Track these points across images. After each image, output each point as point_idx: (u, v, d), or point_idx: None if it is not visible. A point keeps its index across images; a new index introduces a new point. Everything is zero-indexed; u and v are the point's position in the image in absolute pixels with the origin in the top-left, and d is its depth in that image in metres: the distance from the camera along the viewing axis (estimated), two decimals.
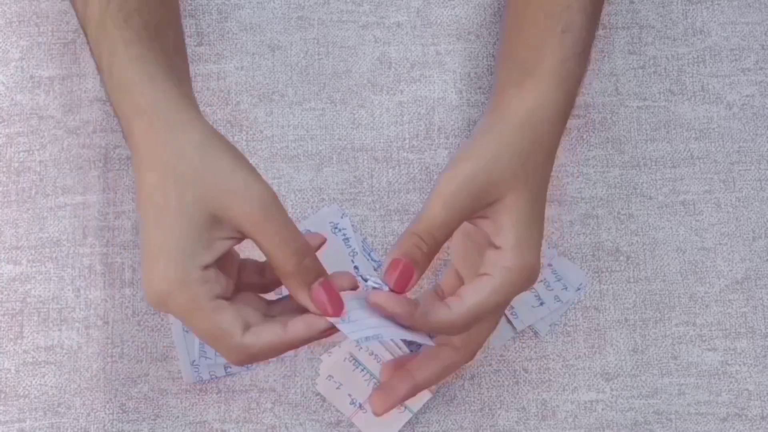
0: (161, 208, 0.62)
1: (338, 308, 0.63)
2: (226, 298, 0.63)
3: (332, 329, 0.63)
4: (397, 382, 0.70)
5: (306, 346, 0.74)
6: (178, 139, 0.62)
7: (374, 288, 0.64)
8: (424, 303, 0.65)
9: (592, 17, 0.70)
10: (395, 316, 0.64)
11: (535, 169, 0.67)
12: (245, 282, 0.66)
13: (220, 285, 0.62)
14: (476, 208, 0.65)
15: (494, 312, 0.67)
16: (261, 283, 0.67)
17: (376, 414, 0.69)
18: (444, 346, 0.69)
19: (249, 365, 0.74)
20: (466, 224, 0.67)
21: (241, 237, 0.63)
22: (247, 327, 0.62)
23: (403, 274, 0.65)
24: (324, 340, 0.74)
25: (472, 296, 0.65)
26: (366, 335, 0.62)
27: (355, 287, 0.66)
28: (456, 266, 0.71)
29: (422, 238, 0.65)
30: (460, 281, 0.70)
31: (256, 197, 0.62)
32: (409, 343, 0.74)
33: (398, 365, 0.71)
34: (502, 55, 0.72)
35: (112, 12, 0.65)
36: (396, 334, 0.63)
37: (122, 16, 0.65)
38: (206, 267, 0.62)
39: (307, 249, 0.63)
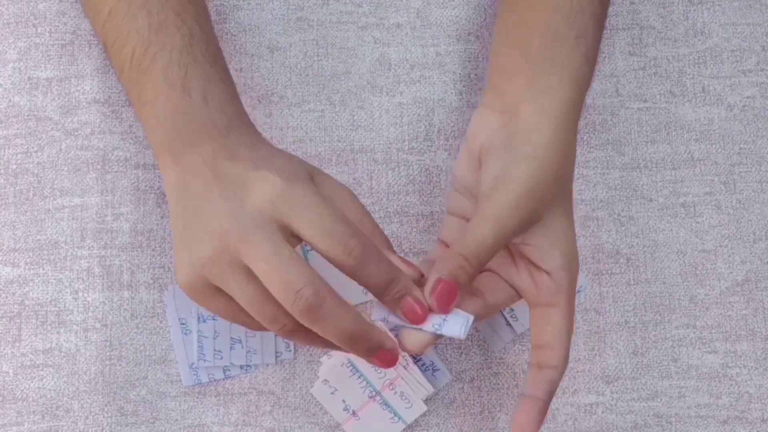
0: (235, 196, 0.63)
1: (424, 312, 0.64)
2: None
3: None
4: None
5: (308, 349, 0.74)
6: (236, 147, 0.65)
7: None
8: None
9: (600, 25, 0.70)
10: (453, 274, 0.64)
11: (568, 181, 0.67)
12: None
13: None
14: (520, 232, 0.65)
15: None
16: None
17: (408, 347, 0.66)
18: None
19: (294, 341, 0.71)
20: None
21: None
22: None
23: (448, 295, 0.64)
24: None
25: (554, 336, 0.66)
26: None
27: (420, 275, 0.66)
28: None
29: (469, 261, 0.64)
30: None
31: (299, 208, 0.62)
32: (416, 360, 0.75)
33: None
34: (504, 52, 0.71)
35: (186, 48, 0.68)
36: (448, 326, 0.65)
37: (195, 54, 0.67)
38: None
39: (395, 275, 0.63)
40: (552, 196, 0.65)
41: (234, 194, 0.62)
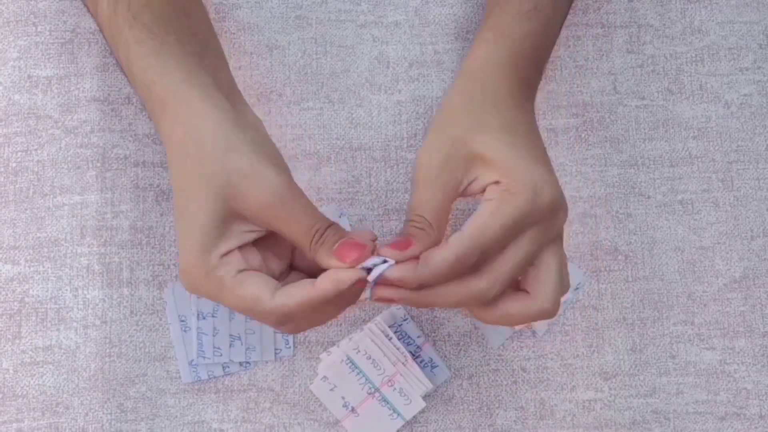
0: (183, 201, 0.64)
1: (360, 250, 0.63)
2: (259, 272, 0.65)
3: (360, 282, 0.63)
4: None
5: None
6: (195, 135, 0.65)
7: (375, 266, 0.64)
8: (418, 247, 0.64)
9: None
10: (404, 281, 0.63)
11: (486, 111, 0.67)
12: (300, 265, 0.68)
13: (248, 262, 0.64)
14: (453, 175, 0.65)
15: (496, 240, 0.63)
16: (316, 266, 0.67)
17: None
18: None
19: (292, 333, 0.72)
20: None
21: (264, 229, 0.65)
22: (278, 288, 0.63)
23: (401, 242, 0.64)
24: (323, 339, 0.75)
25: (470, 222, 0.63)
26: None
27: (374, 238, 0.65)
28: None
29: (414, 220, 0.64)
30: None
31: (268, 189, 0.63)
32: (414, 350, 0.75)
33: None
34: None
35: (121, 10, 0.67)
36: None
37: (131, 14, 0.67)
38: (226, 254, 0.64)
39: (325, 221, 0.64)
40: (468, 130, 0.65)
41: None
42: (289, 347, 0.75)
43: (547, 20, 0.72)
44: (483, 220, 0.63)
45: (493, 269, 0.63)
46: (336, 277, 0.63)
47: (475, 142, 0.65)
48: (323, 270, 0.64)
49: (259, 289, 0.63)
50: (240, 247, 0.64)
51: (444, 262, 0.62)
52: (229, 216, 0.64)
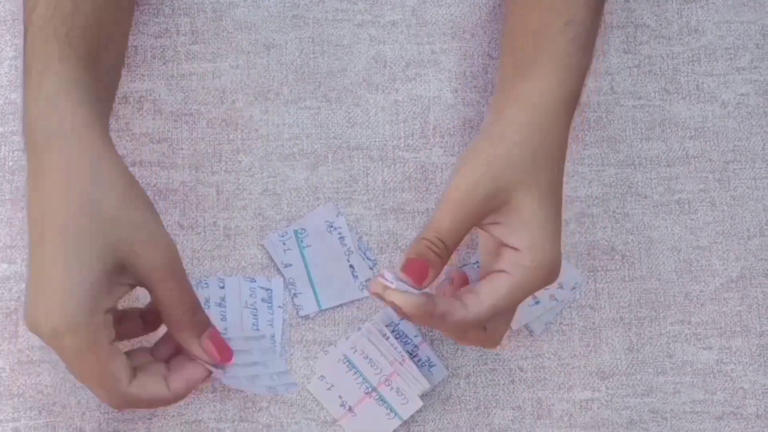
0: (70, 246, 0.61)
1: (228, 355, 0.67)
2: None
3: (205, 380, 0.67)
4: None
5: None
6: (101, 178, 0.62)
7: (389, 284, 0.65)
8: (440, 303, 0.64)
9: (596, 11, 0.70)
10: (412, 317, 0.64)
11: (544, 166, 0.66)
12: (124, 332, 0.68)
13: (113, 334, 0.63)
14: (485, 212, 0.66)
15: (512, 309, 0.68)
16: (139, 330, 0.70)
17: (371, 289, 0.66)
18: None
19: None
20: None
21: (135, 285, 0.64)
22: (133, 376, 0.64)
23: (419, 269, 0.65)
24: (321, 338, 0.75)
25: (490, 296, 0.65)
26: (238, 385, 0.70)
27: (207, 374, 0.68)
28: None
29: (432, 242, 0.65)
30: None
31: (162, 252, 0.64)
32: (411, 350, 0.75)
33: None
34: (502, 51, 0.72)
35: (56, 22, 0.64)
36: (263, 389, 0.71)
37: (65, 29, 0.64)
38: (107, 311, 0.63)
39: (198, 304, 0.66)
40: (519, 180, 0.65)
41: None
42: (282, 355, 0.75)
43: (594, 53, 0.71)
44: (501, 296, 0.65)
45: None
46: (190, 377, 0.66)
47: (516, 196, 0.65)
48: (149, 331, 0.69)
49: (121, 370, 0.63)
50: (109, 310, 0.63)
51: (461, 323, 0.65)
52: (115, 266, 0.62)
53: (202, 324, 0.67)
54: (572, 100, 0.68)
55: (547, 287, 0.68)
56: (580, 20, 0.69)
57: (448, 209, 0.65)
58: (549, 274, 0.66)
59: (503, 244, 0.66)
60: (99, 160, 0.63)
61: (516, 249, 0.65)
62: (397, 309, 0.64)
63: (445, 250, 0.65)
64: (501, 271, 0.65)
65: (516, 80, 0.68)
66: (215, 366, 0.67)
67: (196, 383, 0.67)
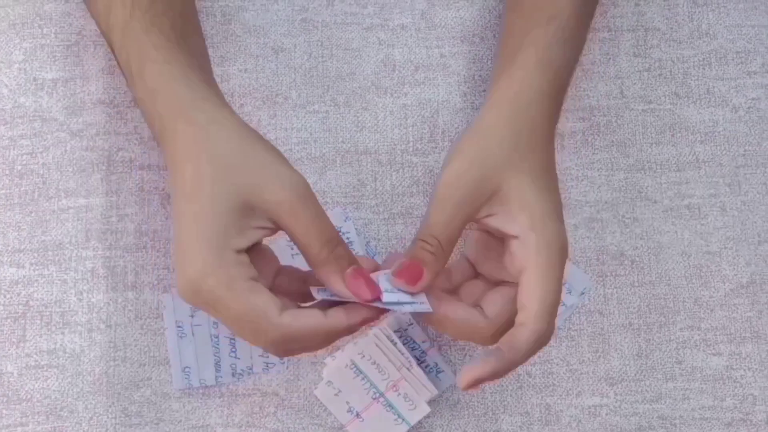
0: (196, 197, 0.62)
1: (375, 291, 0.63)
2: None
3: (370, 319, 0.63)
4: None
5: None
6: (215, 133, 0.64)
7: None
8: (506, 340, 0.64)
9: (581, 5, 0.71)
10: (493, 374, 0.63)
11: (530, 149, 0.66)
12: (281, 288, 0.66)
13: (255, 272, 0.62)
14: (476, 203, 0.65)
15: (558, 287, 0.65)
16: (298, 292, 0.66)
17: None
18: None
19: (281, 359, 0.72)
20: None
21: (274, 228, 0.63)
22: (284, 309, 0.62)
23: (412, 272, 0.64)
24: None
25: (535, 301, 0.63)
26: (409, 310, 0.63)
27: (375, 269, 0.66)
28: (468, 255, 0.70)
29: (426, 241, 0.65)
30: (472, 269, 0.69)
31: (289, 186, 0.63)
32: (419, 355, 0.75)
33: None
34: (498, 48, 0.73)
35: (138, 16, 0.67)
36: (425, 308, 0.64)
37: (148, 19, 0.67)
38: (240, 251, 0.62)
39: (338, 238, 0.64)
40: (505, 165, 0.65)
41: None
42: (283, 362, 0.75)
43: (581, 46, 0.72)
44: (539, 289, 0.64)
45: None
46: (351, 310, 0.63)
47: (507, 182, 0.65)
48: (309, 297, 0.65)
49: (268, 303, 0.62)
50: (249, 250, 0.63)
51: (530, 344, 0.63)
52: (241, 209, 0.62)
53: (342, 258, 0.63)
54: (555, 93, 0.69)
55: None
56: (564, 15, 0.70)
57: (438, 206, 0.65)
58: (559, 248, 0.65)
59: (504, 235, 0.65)
60: (213, 121, 0.64)
61: (516, 237, 0.64)
62: (441, 324, 0.65)
63: (440, 247, 0.65)
64: (523, 269, 0.64)
65: (499, 75, 0.70)
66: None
67: (357, 319, 0.63)
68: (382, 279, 0.65)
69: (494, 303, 0.66)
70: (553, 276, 0.64)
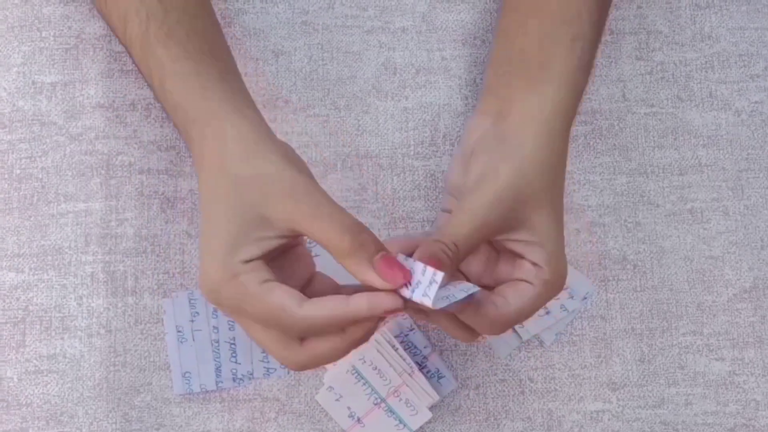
0: (213, 210, 0.63)
1: (406, 275, 0.61)
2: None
3: (394, 309, 0.61)
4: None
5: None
6: (226, 147, 0.64)
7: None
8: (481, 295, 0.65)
9: (598, 30, 0.71)
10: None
11: (556, 180, 0.67)
12: (316, 292, 0.65)
13: (271, 275, 0.62)
14: (502, 227, 0.65)
15: (527, 317, 0.67)
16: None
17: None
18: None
19: (299, 369, 0.69)
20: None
21: (292, 236, 0.63)
22: (304, 300, 0.61)
23: (434, 265, 0.63)
24: None
25: (517, 300, 0.65)
26: (440, 296, 0.61)
27: (405, 249, 0.64)
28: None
29: (447, 245, 0.64)
30: None
31: (292, 188, 0.62)
32: (420, 361, 0.74)
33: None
34: (502, 55, 0.72)
35: (153, 29, 0.67)
36: (458, 293, 0.63)
37: (164, 31, 0.67)
38: (251, 260, 0.62)
39: (360, 226, 0.62)
40: (537, 198, 0.65)
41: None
42: (284, 367, 0.74)
43: (592, 72, 0.72)
44: (526, 303, 0.65)
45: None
46: (375, 300, 0.61)
47: (538, 214, 0.65)
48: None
49: (285, 298, 0.61)
50: (263, 257, 0.63)
51: (487, 320, 0.65)
52: (256, 222, 0.62)
53: (367, 245, 0.61)
54: (571, 118, 0.69)
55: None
56: (587, 38, 0.69)
57: (467, 219, 0.65)
58: (561, 284, 0.67)
59: (521, 257, 0.66)
60: (223, 133, 0.64)
61: (537, 265, 0.66)
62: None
63: (457, 257, 0.64)
64: (523, 280, 0.66)
65: (521, 90, 0.69)
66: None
67: (380, 308, 0.61)
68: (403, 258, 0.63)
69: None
70: (538, 305, 0.66)
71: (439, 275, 0.61)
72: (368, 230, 0.63)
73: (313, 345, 0.63)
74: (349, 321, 0.61)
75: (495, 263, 0.69)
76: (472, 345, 0.75)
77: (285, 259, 0.65)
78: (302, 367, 0.64)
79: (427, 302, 0.60)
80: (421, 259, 0.62)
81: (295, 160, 0.65)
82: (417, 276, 0.62)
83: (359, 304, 0.61)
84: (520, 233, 0.66)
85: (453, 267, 0.64)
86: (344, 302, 0.61)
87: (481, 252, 0.69)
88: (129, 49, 0.69)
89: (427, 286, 0.61)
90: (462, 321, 0.66)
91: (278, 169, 0.63)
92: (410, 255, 0.63)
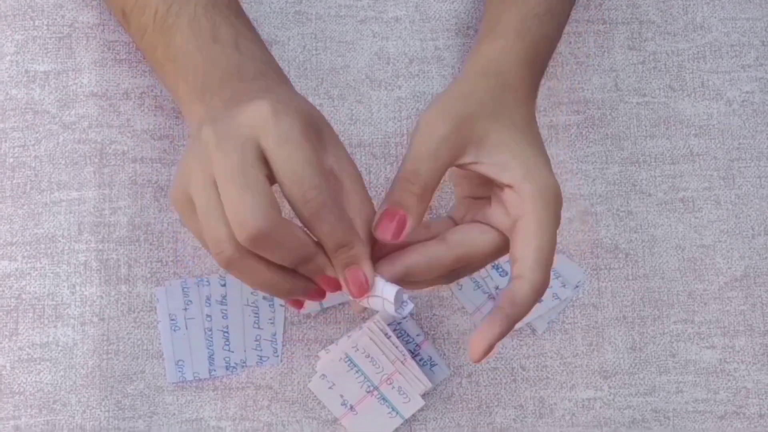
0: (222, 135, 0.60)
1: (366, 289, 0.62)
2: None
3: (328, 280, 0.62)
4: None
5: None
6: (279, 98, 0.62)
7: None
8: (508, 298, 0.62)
9: None
10: (500, 332, 0.62)
11: (509, 110, 0.65)
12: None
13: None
14: (459, 145, 0.63)
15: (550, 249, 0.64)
16: None
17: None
18: None
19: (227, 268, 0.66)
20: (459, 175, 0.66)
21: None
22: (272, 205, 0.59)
23: (397, 224, 0.62)
24: (322, 336, 0.74)
25: (533, 238, 0.62)
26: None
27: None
28: (454, 215, 0.68)
29: (410, 180, 0.62)
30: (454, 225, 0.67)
31: (273, 111, 0.60)
32: (413, 349, 0.74)
33: None
34: (480, 24, 0.74)
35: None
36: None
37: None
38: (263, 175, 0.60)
39: (352, 232, 0.61)
40: (488, 114, 0.64)
41: (230, 120, 0.61)
42: (277, 355, 0.75)
43: (558, 24, 0.72)
44: (535, 233, 0.62)
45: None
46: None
47: (497, 133, 0.64)
48: None
49: (265, 191, 0.59)
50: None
51: (529, 296, 0.62)
52: (261, 158, 0.60)
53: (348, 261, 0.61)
54: (532, 66, 0.69)
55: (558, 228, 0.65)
56: None
57: (421, 144, 0.63)
58: (554, 197, 0.63)
59: (496, 185, 0.64)
60: (230, 76, 0.64)
61: (510, 186, 0.63)
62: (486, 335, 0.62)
63: (423, 188, 0.62)
64: (518, 219, 0.63)
65: (478, 43, 0.71)
66: None
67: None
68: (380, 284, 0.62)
69: (455, 231, 0.64)
70: (548, 226, 0.63)
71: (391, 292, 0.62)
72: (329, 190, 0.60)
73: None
74: (302, 245, 0.60)
75: (483, 204, 0.66)
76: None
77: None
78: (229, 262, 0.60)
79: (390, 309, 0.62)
80: (387, 208, 0.62)
81: (309, 113, 0.62)
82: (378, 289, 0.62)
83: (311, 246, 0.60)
84: (483, 152, 0.64)
85: (422, 205, 0.63)
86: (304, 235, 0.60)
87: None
88: (144, 29, 0.69)
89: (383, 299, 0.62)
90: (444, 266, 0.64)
91: (274, 98, 0.61)
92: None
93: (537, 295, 0.62)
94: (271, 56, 0.69)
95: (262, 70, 0.66)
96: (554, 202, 0.63)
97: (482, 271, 0.76)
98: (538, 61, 0.70)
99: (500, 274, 0.76)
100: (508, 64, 0.68)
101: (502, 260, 0.75)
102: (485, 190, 0.66)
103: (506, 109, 0.65)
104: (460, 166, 0.64)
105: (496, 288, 0.76)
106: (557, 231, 0.63)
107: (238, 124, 0.60)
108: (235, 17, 0.68)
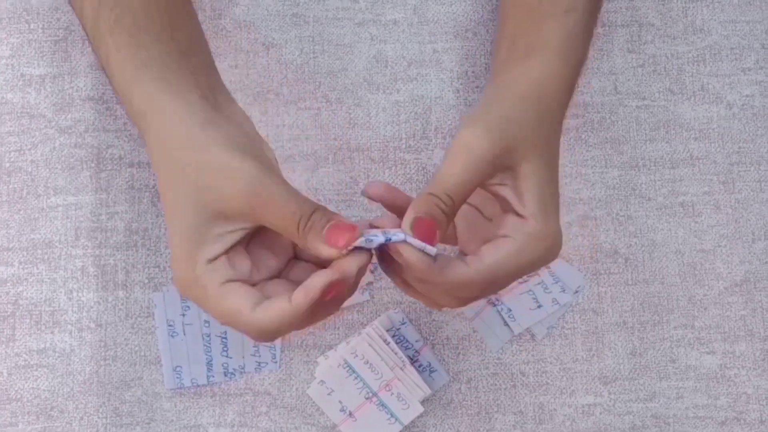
0: (171, 204, 0.62)
1: (351, 229, 0.61)
2: (246, 280, 0.62)
3: (334, 284, 0.61)
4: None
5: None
6: (169, 140, 0.62)
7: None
8: (440, 259, 0.62)
9: (595, 1, 0.70)
10: (411, 265, 0.61)
11: (546, 138, 0.66)
12: (296, 278, 0.64)
13: (235, 270, 0.62)
14: (492, 172, 0.64)
15: (509, 278, 0.64)
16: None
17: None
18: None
19: (270, 344, 0.74)
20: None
21: (252, 226, 0.62)
22: (259, 302, 0.61)
23: (428, 231, 0.62)
24: (321, 342, 0.74)
25: (492, 255, 0.63)
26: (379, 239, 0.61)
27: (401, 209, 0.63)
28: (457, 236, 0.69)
29: (440, 198, 0.62)
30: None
31: (238, 179, 0.61)
32: (412, 355, 0.74)
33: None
34: (501, 38, 0.71)
35: (104, 14, 0.65)
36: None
37: (114, 17, 0.65)
38: (213, 259, 0.61)
39: (310, 205, 0.61)
40: (526, 143, 0.64)
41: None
42: (276, 361, 0.74)
43: (590, 46, 0.71)
44: (502, 256, 0.63)
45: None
46: (307, 284, 0.61)
47: (528, 162, 0.64)
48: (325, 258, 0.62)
49: (240, 302, 0.61)
50: (228, 252, 0.62)
51: (460, 279, 0.62)
52: (212, 218, 0.61)
53: (320, 221, 0.61)
54: (571, 83, 0.68)
55: (547, 266, 0.68)
56: (579, 8, 0.69)
57: (457, 164, 0.63)
58: (550, 246, 0.64)
59: (507, 210, 0.64)
60: (164, 126, 0.63)
61: (520, 216, 0.63)
62: (397, 255, 0.62)
63: (452, 207, 0.62)
64: (504, 236, 0.63)
65: (517, 62, 0.68)
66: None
67: (316, 290, 0.60)
68: (397, 232, 0.61)
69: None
70: (526, 262, 0.63)
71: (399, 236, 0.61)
72: (320, 207, 0.62)
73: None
74: (297, 319, 0.61)
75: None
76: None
77: (265, 234, 0.64)
78: (259, 338, 0.63)
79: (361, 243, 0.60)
80: (418, 218, 0.61)
81: (240, 142, 0.63)
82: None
83: (298, 300, 0.61)
84: (508, 177, 0.64)
85: (448, 220, 0.63)
86: (287, 304, 0.61)
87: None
88: (85, 30, 0.67)
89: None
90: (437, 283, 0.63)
91: (219, 160, 0.61)
92: (402, 208, 0.63)
93: (465, 281, 0.62)
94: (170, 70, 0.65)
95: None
96: (544, 253, 0.64)
97: None
98: (571, 92, 0.69)
99: None
100: (552, 89, 0.67)
101: None
102: (489, 206, 0.66)
103: (542, 139, 0.65)
104: (483, 186, 0.65)
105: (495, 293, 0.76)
106: (527, 273, 0.64)
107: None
108: (109, 35, 0.65)
